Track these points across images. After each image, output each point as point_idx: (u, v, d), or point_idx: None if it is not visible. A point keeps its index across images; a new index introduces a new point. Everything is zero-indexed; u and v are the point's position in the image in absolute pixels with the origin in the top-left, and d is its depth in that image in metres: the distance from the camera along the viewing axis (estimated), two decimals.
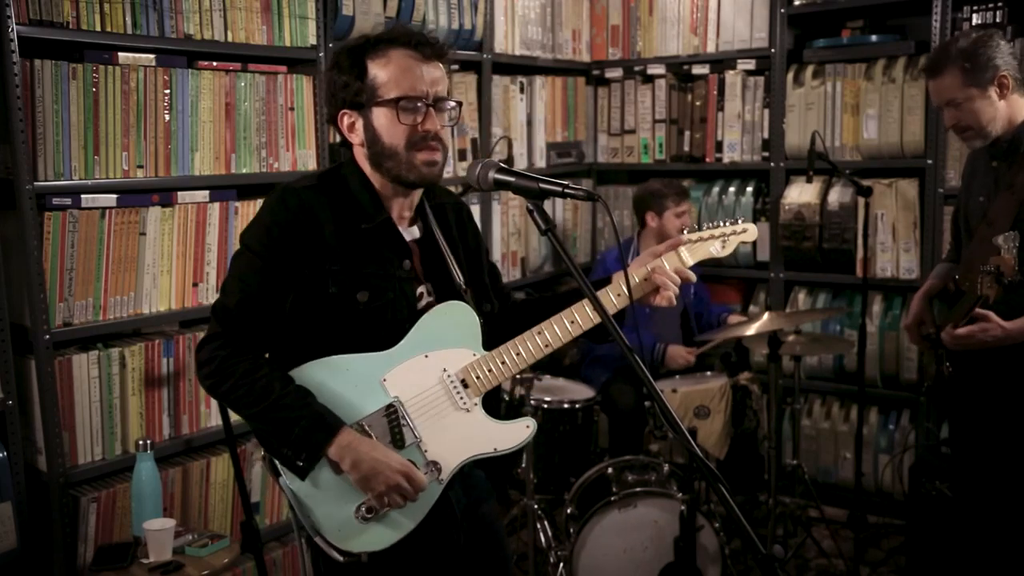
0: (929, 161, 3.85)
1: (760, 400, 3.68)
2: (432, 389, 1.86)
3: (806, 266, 4.15)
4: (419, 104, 1.82)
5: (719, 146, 4.38)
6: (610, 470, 3.29)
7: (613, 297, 1.90)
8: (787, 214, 4.10)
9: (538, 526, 3.37)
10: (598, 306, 1.65)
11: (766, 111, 4.25)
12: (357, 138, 1.88)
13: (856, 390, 3.69)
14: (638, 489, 3.16)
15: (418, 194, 1.95)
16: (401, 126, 1.82)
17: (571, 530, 3.22)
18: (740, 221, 2.00)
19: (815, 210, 4.04)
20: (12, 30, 2.35)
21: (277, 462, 1.83)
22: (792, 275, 4.23)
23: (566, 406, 3.48)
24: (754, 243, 4.30)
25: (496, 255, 4.08)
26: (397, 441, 1.83)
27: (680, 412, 3.45)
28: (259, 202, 2.22)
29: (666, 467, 3.26)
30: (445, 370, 1.87)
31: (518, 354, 1.87)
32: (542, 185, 1.71)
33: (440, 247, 1.96)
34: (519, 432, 1.90)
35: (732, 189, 4.37)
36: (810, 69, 4.12)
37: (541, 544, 3.38)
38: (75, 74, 2.51)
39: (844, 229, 4.00)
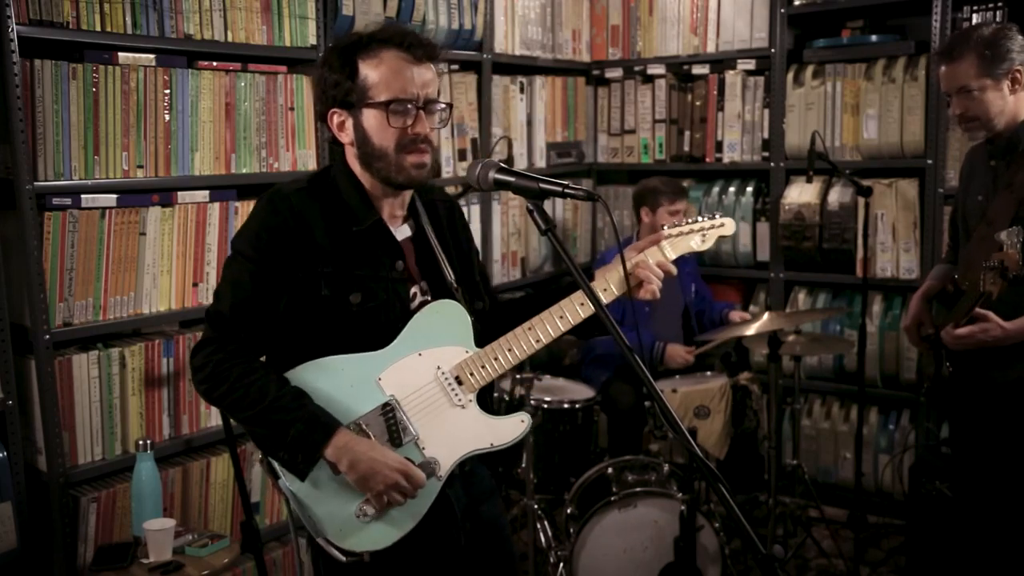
0: (929, 161, 3.85)
1: (760, 400, 3.68)
2: (427, 387, 1.87)
3: (806, 266, 4.15)
4: (409, 107, 1.82)
5: (719, 146, 4.38)
6: (610, 470, 3.29)
7: (599, 292, 1.91)
8: (787, 214, 4.10)
9: (538, 526, 3.37)
10: (595, 301, 1.65)
11: (766, 111, 4.25)
12: (347, 137, 1.88)
13: (856, 390, 3.69)
14: (638, 489, 3.16)
15: (409, 193, 1.95)
16: (391, 129, 1.82)
17: (571, 530, 3.22)
18: (718, 216, 2.04)
19: (815, 210, 4.04)
20: (12, 30, 2.35)
21: (275, 464, 1.83)
22: (792, 275, 4.23)
23: (566, 406, 3.48)
24: (754, 243, 4.31)
25: (496, 255, 4.08)
26: (395, 439, 1.83)
27: (680, 412, 3.45)
28: None
29: (666, 467, 3.26)
30: (439, 368, 1.88)
31: (510, 350, 1.88)
32: (542, 185, 1.71)
33: (431, 245, 1.96)
34: (514, 427, 1.91)
35: (732, 189, 4.37)
36: (810, 69, 4.12)
37: (541, 544, 3.38)
38: (75, 74, 2.51)
39: (844, 229, 4.00)
